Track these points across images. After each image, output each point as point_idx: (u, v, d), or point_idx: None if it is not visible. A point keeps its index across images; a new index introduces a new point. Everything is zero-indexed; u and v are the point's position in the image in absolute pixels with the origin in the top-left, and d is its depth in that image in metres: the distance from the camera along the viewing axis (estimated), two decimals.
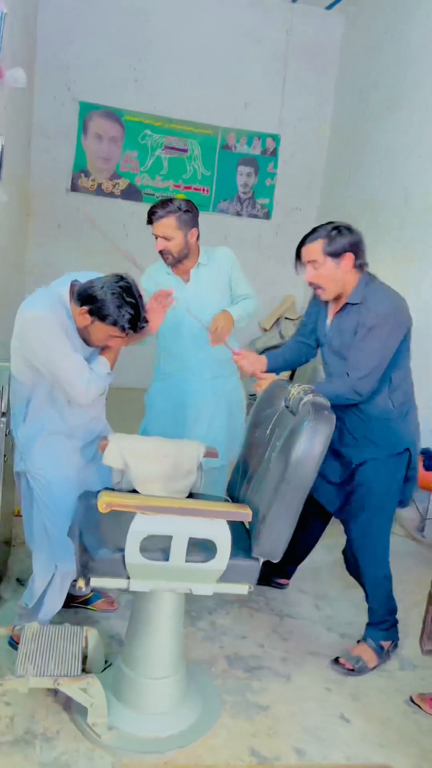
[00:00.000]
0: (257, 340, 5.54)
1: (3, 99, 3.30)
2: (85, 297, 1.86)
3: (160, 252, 2.49)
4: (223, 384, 2.65)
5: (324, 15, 5.48)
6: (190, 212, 2.45)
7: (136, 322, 1.89)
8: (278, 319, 5.59)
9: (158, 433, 2.37)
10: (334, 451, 2.19)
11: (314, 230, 2.11)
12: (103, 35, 5.11)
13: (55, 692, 1.92)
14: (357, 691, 2.15)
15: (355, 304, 2.11)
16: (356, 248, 2.09)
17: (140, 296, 1.90)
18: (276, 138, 5.59)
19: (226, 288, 2.61)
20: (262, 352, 5.64)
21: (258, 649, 2.30)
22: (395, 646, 2.31)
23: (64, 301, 1.90)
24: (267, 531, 1.66)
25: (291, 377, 5.26)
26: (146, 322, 1.94)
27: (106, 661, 2.04)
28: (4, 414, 2.15)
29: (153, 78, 5.27)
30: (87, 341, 1.95)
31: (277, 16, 5.42)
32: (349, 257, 2.08)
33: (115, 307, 1.84)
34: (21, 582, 2.50)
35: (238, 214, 5.64)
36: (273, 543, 1.68)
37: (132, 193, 5.39)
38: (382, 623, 2.27)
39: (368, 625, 2.29)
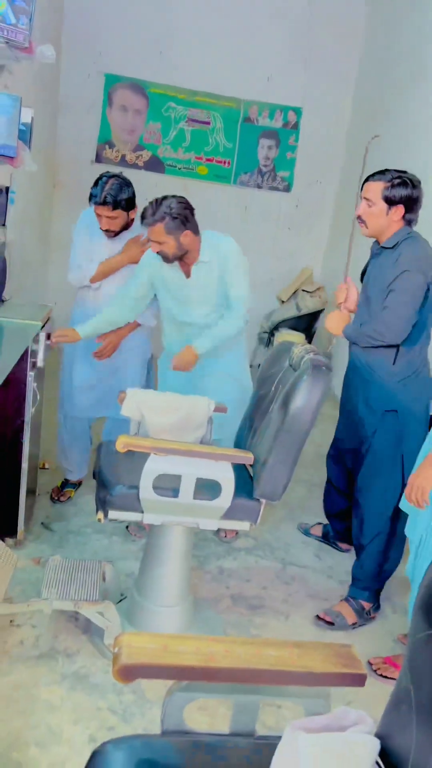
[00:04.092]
0: (274, 312, 5.67)
1: (32, 74, 3.44)
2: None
3: (157, 253, 2.45)
4: (209, 364, 2.62)
5: None
6: (178, 218, 2.35)
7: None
8: (296, 292, 5.70)
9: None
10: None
11: (382, 171, 2.25)
12: (128, 9, 5.19)
13: (75, 618, 2.14)
14: (351, 631, 2.33)
15: (388, 248, 2.26)
16: (410, 203, 2.24)
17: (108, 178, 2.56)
18: (298, 111, 5.64)
19: (223, 285, 2.54)
20: (277, 325, 5.74)
21: (261, 590, 2.49)
22: (376, 608, 2.41)
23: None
24: (267, 474, 1.84)
25: (310, 341, 5.40)
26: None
27: (121, 594, 2.26)
28: (35, 365, 2.34)
29: (178, 50, 5.34)
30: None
31: None
32: (399, 209, 2.23)
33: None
34: (45, 526, 2.72)
35: (259, 186, 5.73)
36: (272, 486, 1.85)
37: (155, 165, 5.52)
38: (366, 585, 2.37)
39: (352, 582, 2.41)
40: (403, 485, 2.27)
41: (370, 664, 2.13)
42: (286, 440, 1.80)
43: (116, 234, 2.68)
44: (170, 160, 5.53)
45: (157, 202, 2.36)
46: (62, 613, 2.13)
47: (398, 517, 2.30)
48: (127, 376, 2.83)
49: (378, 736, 1.00)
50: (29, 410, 2.40)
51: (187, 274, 2.53)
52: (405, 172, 2.26)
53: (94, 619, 1.97)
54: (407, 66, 4.66)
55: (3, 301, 2.70)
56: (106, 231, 2.66)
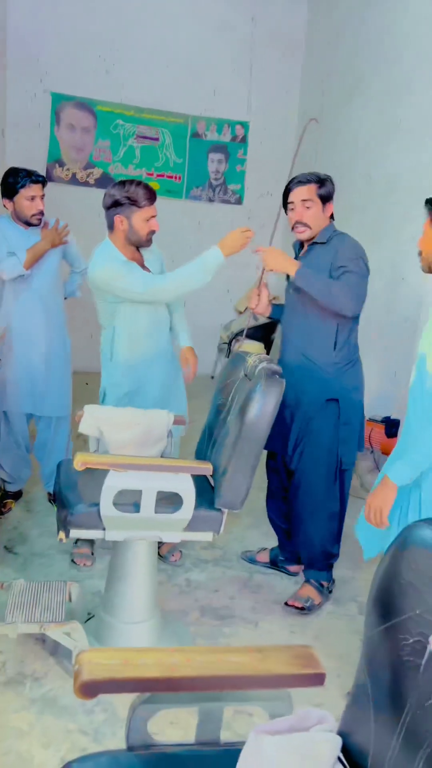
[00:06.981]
0: (232, 323, 5.72)
1: None
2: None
3: (153, 233, 2.43)
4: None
5: (288, 2, 5.62)
6: None
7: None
8: None
9: None
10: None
11: (306, 175, 2.40)
12: (73, 26, 5.22)
13: (42, 640, 2.11)
14: (319, 633, 2.36)
15: (320, 243, 2.38)
16: (331, 198, 2.43)
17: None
18: (245, 125, 5.74)
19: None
20: (236, 335, 5.76)
21: (229, 600, 2.50)
22: (332, 582, 2.57)
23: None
24: (227, 484, 1.85)
25: (268, 350, 5.46)
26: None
27: (88, 614, 2.24)
28: None
29: (123, 68, 5.39)
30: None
31: (242, 3, 5.56)
32: (330, 205, 2.40)
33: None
34: (8, 549, 2.68)
35: (211, 200, 5.80)
36: (233, 495, 1.87)
37: (106, 182, 5.52)
38: (320, 565, 2.51)
39: (307, 567, 2.54)
40: (341, 471, 2.41)
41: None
42: (244, 449, 1.83)
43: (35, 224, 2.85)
44: (121, 176, 5.54)
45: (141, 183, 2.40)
46: (29, 637, 2.10)
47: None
48: (54, 376, 2.96)
49: (340, 733, 1.03)
50: None
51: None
52: (316, 172, 2.42)
53: (61, 640, 1.94)
54: (346, 79, 4.80)
55: None
56: (36, 216, 2.81)
